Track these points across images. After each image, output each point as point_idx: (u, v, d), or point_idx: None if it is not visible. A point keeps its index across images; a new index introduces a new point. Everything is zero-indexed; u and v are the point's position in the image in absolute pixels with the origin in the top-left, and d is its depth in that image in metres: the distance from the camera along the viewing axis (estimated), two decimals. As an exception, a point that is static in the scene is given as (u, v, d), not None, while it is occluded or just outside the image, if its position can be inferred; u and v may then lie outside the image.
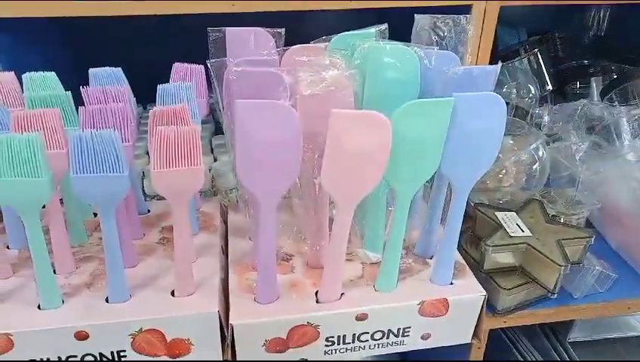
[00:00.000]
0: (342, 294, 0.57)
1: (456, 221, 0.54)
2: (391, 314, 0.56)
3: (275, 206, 0.49)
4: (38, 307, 0.53)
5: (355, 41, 0.56)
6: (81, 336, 0.52)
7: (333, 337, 0.56)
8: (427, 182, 0.60)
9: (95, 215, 0.69)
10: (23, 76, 0.58)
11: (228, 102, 0.52)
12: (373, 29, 0.58)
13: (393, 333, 0.58)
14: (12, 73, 0.59)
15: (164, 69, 0.63)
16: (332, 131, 0.43)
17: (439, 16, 0.56)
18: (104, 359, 0.54)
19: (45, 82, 0.58)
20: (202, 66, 0.62)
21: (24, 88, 0.57)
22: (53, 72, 0.58)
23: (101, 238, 0.63)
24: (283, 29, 0.60)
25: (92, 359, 0.54)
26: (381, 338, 0.58)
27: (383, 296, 0.57)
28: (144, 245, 0.63)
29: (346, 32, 0.58)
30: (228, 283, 0.59)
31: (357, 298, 0.57)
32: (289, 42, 0.60)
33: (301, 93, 0.47)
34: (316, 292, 0.57)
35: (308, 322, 0.54)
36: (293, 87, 0.49)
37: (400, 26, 0.60)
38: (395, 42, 0.54)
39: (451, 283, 0.59)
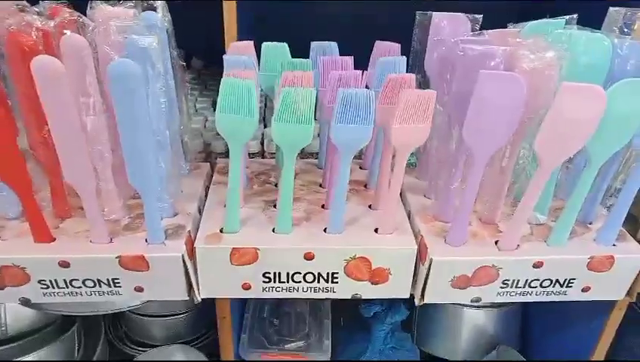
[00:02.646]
0: (518, 245, 0.67)
1: (634, 186, 0.62)
2: (563, 265, 0.65)
3: (486, 162, 0.60)
4: (273, 230, 0.67)
5: (549, 28, 0.65)
6: (309, 257, 0.64)
7: (508, 280, 0.66)
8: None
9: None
10: (263, 45, 0.70)
11: (445, 75, 0.63)
12: (564, 18, 0.66)
13: (559, 283, 0.67)
14: (251, 42, 0.72)
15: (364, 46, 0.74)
16: (557, 101, 0.53)
17: (633, 9, 0.64)
18: (321, 278, 0.66)
19: (279, 50, 0.70)
20: (399, 45, 0.73)
21: (262, 54, 0.70)
22: (285, 43, 0.71)
23: (302, 185, 0.76)
24: (481, 15, 0.69)
25: (312, 278, 0.66)
26: (548, 286, 0.67)
27: (557, 249, 0.66)
28: (340, 193, 0.76)
29: (539, 20, 0.67)
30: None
31: (533, 249, 0.66)
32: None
33: (522, 69, 0.56)
34: (495, 242, 0.67)
35: (493, 264, 0.65)
36: (510, 63, 0.58)
37: (587, 18, 0.68)
38: (591, 30, 0.62)
39: (614, 245, 0.67)
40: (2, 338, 0.84)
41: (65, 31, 0.54)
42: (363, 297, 0.69)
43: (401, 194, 0.78)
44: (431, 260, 0.64)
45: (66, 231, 0.66)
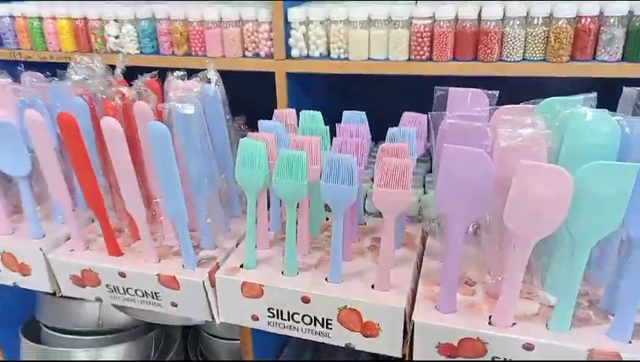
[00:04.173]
0: (514, 323, 0.64)
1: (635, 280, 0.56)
2: (557, 352, 0.61)
3: (463, 230, 0.61)
4: (282, 272, 0.76)
5: (561, 106, 0.64)
6: (306, 300, 0.72)
7: (499, 358, 0.64)
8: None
9: (327, 219, 0.90)
10: (300, 113, 0.82)
11: (440, 146, 0.66)
12: (581, 97, 0.65)
13: (557, 373, 0.62)
14: (293, 110, 0.84)
15: (396, 116, 0.80)
16: (518, 177, 0.53)
17: (647, 89, 0.60)
18: (317, 322, 0.73)
19: (313, 118, 0.81)
20: (426, 116, 0.78)
21: (300, 120, 0.82)
22: (319, 112, 0.82)
23: (329, 236, 0.84)
24: (497, 92, 0.71)
25: (309, 320, 0.73)
26: (545, 373, 0.63)
27: (554, 334, 0.62)
28: (358, 247, 0.81)
29: (554, 98, 0.66)
30: (416, 292, 0.72)
31: (528, 329, 0.63)
32: (502, 103, 0.71)
33: (499, 145, 0.58)
34: (490, 317, 0.66)
35: (478, 338, 0.63)
36: (494, 139, 0.60)
37: (610, 97, 0.65)
38: (598, 110, 0.60)
39: (630, 342, 0.60)
40: (97, 329, 1.07)
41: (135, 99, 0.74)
42: (356, 348, 0.73)
43: (423, 255, 0.81)
44: (413, 321, 0.66)
45: (134, 250, 0.84)
